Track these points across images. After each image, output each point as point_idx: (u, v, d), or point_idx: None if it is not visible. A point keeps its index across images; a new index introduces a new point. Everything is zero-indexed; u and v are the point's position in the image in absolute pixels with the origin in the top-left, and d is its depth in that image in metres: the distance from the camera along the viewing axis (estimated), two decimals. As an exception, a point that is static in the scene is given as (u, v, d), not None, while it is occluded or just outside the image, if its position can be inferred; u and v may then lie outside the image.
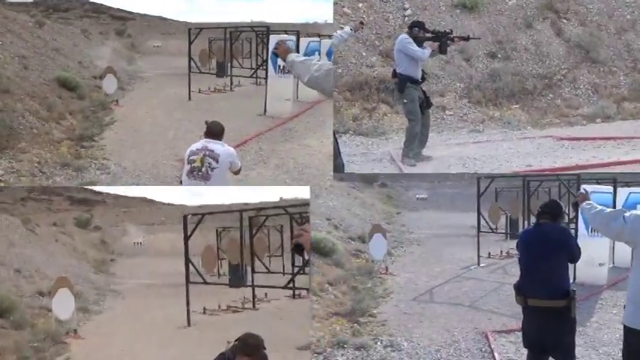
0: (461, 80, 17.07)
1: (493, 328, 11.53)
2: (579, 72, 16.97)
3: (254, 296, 16.68)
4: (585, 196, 7.38)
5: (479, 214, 19.12)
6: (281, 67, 17.30)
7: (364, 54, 17.11)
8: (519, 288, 7.51)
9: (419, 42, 12.54)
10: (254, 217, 18.36)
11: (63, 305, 13.12)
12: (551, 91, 16.63)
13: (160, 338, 13.79)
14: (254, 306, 16.71)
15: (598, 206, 7.04)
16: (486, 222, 20.30)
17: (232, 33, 23.23)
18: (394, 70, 12.92)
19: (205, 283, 15.70)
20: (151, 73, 25.21)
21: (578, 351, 7.51)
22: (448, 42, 12.73)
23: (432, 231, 26.85)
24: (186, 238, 15.05)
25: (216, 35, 25.15)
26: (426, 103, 12.94)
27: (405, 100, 12.72)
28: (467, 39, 13.36)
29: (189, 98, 19.75)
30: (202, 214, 16.61)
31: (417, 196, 42.33)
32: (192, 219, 15.95)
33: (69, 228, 29.74)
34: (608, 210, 6.98)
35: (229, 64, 22.88)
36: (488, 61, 17.40)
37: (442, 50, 12.81)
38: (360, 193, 32.34)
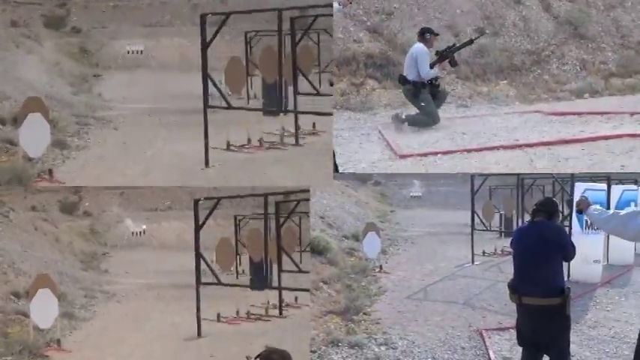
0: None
1: (487, 326, 11.52)
2: (567, 48, 16.98)
3: (281, 301, 13.73)
4: (587, 202, 7.39)
5: (473, 212, 19.13)
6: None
7: (352, 29, 17.08)
8: (514, 286, 7.50)
9: (429, 47, 13.23)
10: (282, 202, 14.39)
11: (43, 310, 11.06)
12: (539, 67, 16.64)
13: (164, 352, 11.72)
14: (281, 313, 13.74)
15: (607, 210, 7.08)
16: (480, 220, 20.33)
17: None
18: (402, 76, 13.30)
19: (220, 284, 12.98)
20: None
21: (573, 348, 7.51)
22: (454, 54, 13.32)
23: (426, 229, 26.86)
24: (198, 228, 12.51)
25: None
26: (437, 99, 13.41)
27: (423, 104, 13.12)
28: (471, 42, 13.94)
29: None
30: (218, 198, 13.42)
31: (411, 194, 42.38)
32: (204, 204, 13.10)
33: (52, 214, 23.47)
34: (622, 212, 7.00)
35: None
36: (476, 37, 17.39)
37: (452, 63, 13.44)
38: (354, 192, 32.33)
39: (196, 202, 12.73)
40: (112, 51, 22.46)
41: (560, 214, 12.08)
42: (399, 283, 15.23)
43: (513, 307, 7.63)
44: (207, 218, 12.53)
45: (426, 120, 13.09)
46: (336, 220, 19.82)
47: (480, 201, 20.54)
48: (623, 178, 18.55)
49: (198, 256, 12.45)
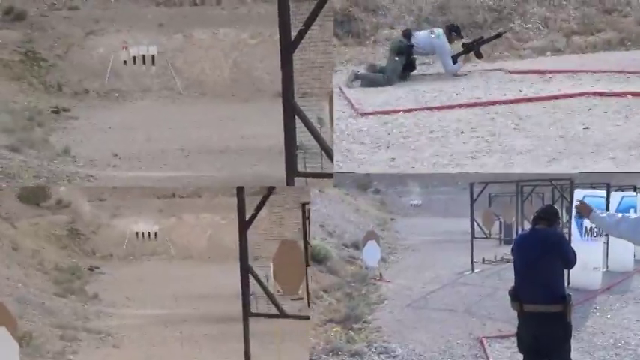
0: (410, 13, 17.04)
1: (488, 333, 11.50)
2: (529, 5, 16.87)
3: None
4: (589, 207, 7.29)
5: (472, 219, 19.14)
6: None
7: (313, -15, 17.07)
8: (515, 293, 7.49)
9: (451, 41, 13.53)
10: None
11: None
12: (501, 24, 16.53)
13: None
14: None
15: (614, 213, 7.02)
16: (480, 227, 20.35)
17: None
18: (410, 34, 13.60)
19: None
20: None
21: (574, 355, 7.48)
22: (481, 45, 13.61)
23: (425, 237, 26.89)
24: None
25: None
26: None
27: (394, 64, 13.37)
28: (499, 36, 14.19)
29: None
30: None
31: (411, 202, 42.46)
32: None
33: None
34: (633, 216, 6.93)
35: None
36: (438, -6, 17.35)
37: (478, 55, 13.62)
38: (355, 200, 32.38)
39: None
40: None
41: (561, 221, 12.10)
42: (399, 291, 15.22)
43: (514, 314, 7.62)
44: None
45: (380, 79, 13.17)
46: (336, 229, 19.84)
47: (480, 208, 20.56)
48: (622, 185, 18.59)
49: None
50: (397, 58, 13.29)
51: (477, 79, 13.17)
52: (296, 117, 8.48)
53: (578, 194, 14.59)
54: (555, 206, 8.49)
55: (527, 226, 14.79)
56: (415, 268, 18.69)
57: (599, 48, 15.56)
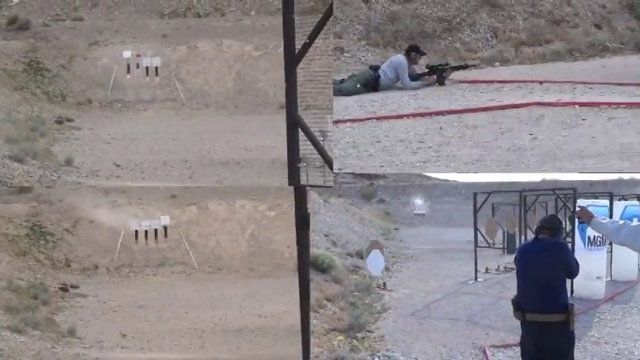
0: (359, 22, 17.06)
1: (491, 342, 11.51)
2: (479, 16, 16.87)
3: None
4: (590, 213, 7.29)
5: (476, 229, 19.16)
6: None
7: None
8: (518, 303, 7.51)
9: (413, 65, 13.62)
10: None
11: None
12: (450, 35, 16.55)
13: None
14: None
15: (616, 220, 7.01)
16: (483, 237, 20.35)
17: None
18: (376, 67, 13.70)
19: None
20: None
21: (577, 365, 7.51)
22: (444, 73, 13.52)
23: (429, 246, 26.90)
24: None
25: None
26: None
27: (351, 79, 13.48)
28: (466, 67, 13.96)
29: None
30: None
31: (415, 211, 42.46)
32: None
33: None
34: (634, 223, 6.94)
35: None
36: (387, 3, 17.31)
37: (440, 82, 13.47)
38: (359, 210, 32.41)
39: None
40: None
41: (564, 231, 12.13)
42: (403, 301, 15.24)
43: (517, 323, 7.65)
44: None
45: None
46: (341, 238, 19.86)
47: (483, 218, 20.57)
48: (625, 194, 18.61)
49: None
50: (359, 86, 13.36)
51: (426, 89, 13.23)
52: (299, 129, 8.51)
53: (582, 204, 14.60)
54: (558, 216, 8.50)
55: (531, 235, 14.81)
56: (419, 278, 18.69)
57: (547, 58, 15.62)
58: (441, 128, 10.92)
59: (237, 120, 17.23)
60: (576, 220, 7.75)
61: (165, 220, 17.16)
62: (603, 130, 10.26)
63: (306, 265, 8.21)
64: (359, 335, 12.02)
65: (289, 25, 8.48)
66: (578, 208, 7.52)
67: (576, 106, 11.22)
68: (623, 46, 15.86)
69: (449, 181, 45.33)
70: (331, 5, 9.03)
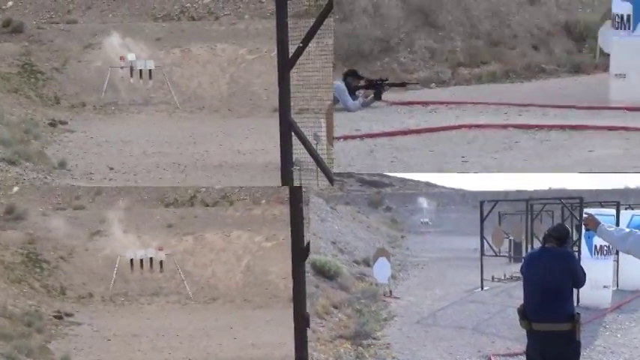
0: None
1: (497, 351, 11.52)
2: (417, 36, 16.79)
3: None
4: (596, 220, 7.27)
5: (482, 237, 19.15)
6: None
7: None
8: (524, 312, 7.52)
9: (353, 90, 13.18)
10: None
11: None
12: (387, 55, 16.45)
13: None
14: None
15: (622, 228, 6.99)
16: (490, 245, 20.33)
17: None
18: None
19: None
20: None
21: (583, 374, 7.52)
22: (382, 89, 13.31)
23: (435, 254, 26.88)
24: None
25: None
26: None
27: None
28: (404, 85, 13.93)
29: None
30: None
31: (422, 220, 42.46)
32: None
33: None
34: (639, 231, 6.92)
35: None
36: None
37: (377, 97, 13.24)
38: (366, 217, 32.39)
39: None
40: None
41: (571, 240, 12.13)
42: (409, 308, 15.24)
43: (522, 332, 7.66)
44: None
45: None
46: (347, 246, 19.86)
47: (490, 226, 20.56)
48: (632, 203, 18.58)
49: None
50: None
51: (359, 111, 13.04)
52: (292, 133, 8.49)
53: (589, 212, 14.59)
54: (566, 226, 8.49)
55: (537, 244, 14.80)
56: (425, 286, 18.69)
57: (483, 80, 15.57)
58: (371, 151, 10.71)
59: (230, 123, 17.28)
60: (583, 228, 7.73)
61: (161, 255, 17.11)
62: (535, 152, 10.18)
63: (303, 298, 7.70)
64: (365, 342, 12.03)
65: (283, 29, 8.48)
66: (585, 215, 7.51)
67: (510, 128, 11.15)
68: (559, 68, 15.80)
69: (455, 189, 45.41)
70: (326, 8, 8.98)
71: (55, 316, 15.05)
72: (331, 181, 9.28)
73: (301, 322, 7.36)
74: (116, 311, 16.15)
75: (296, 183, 8.65)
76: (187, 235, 18.00)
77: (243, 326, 14.84)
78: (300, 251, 7.37)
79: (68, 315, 15.36)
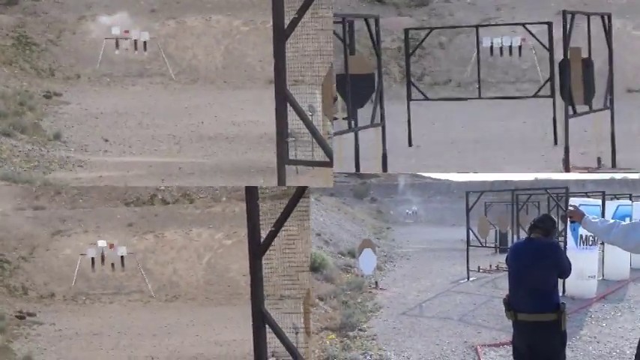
0: None
1: (483, 341, 11.51)
2: None
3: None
4: (581, 211, 7.26)
5: (468, 228, 19.16)
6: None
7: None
8: (509, 302, 7.49)
9: None
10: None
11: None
12: None
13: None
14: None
15: (607, 219, 6.98)
16: (475, 236, 20.36)
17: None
18: None
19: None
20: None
21: (568, 364, 7.50)
22: None
23: (421, 246, 26.91)
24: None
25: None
26: None
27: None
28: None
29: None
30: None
31: (407, 211, 42.51)
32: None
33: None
34: (624, 222, 6.91)
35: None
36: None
37: None
38: (351, 209, 32.43)
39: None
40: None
41: (557, 230, 12.12)
42: (395, 300, 15.23)
43: (508, 323, 7.64)
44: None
45: None
46: (333, 237, 19.85)
47: (476, 217, 20.58)
48: (617, 193, 18.62)
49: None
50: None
51: None
52: (288, 104, 8.44)
53: (574, 203, 14.61)
54: (552, 216, 8.46)
55: (523, 234, 14.79)
56: (411, 277, 18.69)
57: None
58: None
59: (225, 95, 17.29)
60: (568, 220, 7.71)
61: (122, 250, 16.97)
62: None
63: (260, 293, 7.39)
64: (351, 334, 12.00)
65: (278, 0, 8.42)
66: (570, 208, 7.49)
67: None
68: None
69: (442, 180, 45.49)
70: None
71: (17, 316, 15.02)
72: (330, 156, 9.13)
73: (259, 319, 7.30)
74: (78, 310, 16.06)
75: (291, 156, 8.65)
76: (148, 233, 17.92)
77: (205, 324, 14.78)
78: (256, 248, 7.28)
79: (30, 315, 15.27)
